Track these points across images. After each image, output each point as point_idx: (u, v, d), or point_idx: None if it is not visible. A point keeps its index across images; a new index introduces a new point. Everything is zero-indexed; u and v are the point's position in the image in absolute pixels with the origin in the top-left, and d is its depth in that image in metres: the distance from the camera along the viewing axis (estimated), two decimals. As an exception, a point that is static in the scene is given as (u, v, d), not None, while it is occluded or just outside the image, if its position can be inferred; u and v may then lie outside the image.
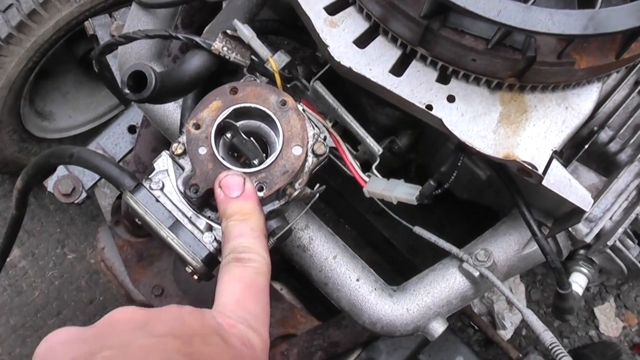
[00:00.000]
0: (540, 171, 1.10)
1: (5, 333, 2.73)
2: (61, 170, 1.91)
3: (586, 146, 1.33)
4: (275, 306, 1.85)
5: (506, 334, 2.70)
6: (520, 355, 1.97)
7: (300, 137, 1.06)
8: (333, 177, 1.37)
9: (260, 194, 1.03)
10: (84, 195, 1.92)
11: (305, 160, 1.08)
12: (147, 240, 2.00)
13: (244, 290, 0.85)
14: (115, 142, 1.98)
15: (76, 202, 1.91)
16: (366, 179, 1.31)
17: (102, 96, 2.79)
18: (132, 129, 1.99)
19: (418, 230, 1.34)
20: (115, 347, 0.69)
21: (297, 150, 1.06)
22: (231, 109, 1.07)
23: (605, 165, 1.37)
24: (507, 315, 2.70)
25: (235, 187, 0.98)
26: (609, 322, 2.83)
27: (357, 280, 1.32)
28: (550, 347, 1.17)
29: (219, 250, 1.07)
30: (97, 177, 1.94)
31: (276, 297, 1.86)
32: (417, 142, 1.49)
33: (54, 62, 2.46)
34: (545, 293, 2.86)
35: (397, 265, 1.84)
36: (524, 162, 1.10)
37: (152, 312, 0.75)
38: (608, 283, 2.87)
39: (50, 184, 1.91)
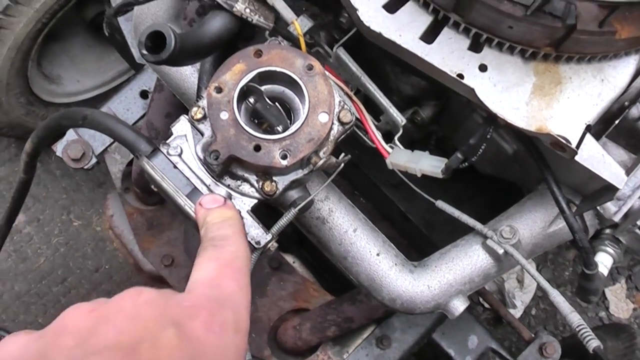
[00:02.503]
0: (573, 145, 1.06)
1: (10, 299, 2.71)
2: (71, 135, 1.87)
3: (616, 122, 1.29)
4: (288, 279, 1.82)
5: (516, 313, 2.68)
6: (533, 335, 1.94)
7: (327, 103, 1.02)
8: (349, 147, 1.33)
9: (284, 162, 0.99)
10: (93, 160, 1.87)
11: (331, 128, 1.04)
12: (158, 209, 1.96)
13: (219, 269, 0.79)
14: (126, 107, 1.93)
15: (85, 167, 1.87)
16: (389, 150, 1.26)
17: (111, 61, 2.75)
18: (144, 94, 1.94)
19: (440, 204, 1.30)
20: None
21: (324, 117, 1.01)
22: (255, 72, 1.02)
23: (635, 141, 1.32)
24: (518, 294, 2.67)
25: (216, 201, 0.95)
26: (619, 303, 2.81)
27: (378, 254, 1.28)
28: (577, 329, 1.13)
29: (238, 220, 1.04)
30: (107, 142, 1.89)
31: (288, 269, 1.84)
32: (440, 114, 1.44)
33: (63, 25, 2.42)
34: (555, 272, 2.83)
35: (413, 240, 1.81)
36: (558, 135, 1.05)
37: (103, 313, 0.69)
38: (619, 264, 2.84)
39: (59, 148, 1.86)
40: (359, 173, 1.79)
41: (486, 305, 2.67)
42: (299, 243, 1.91)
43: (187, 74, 1.44)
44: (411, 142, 1.32)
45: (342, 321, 1.63)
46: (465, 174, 1.41)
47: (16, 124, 2.52)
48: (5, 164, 2.93)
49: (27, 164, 1.42)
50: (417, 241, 1.79)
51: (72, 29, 2.66)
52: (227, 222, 0.90)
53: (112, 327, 0.66)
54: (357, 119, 1.27)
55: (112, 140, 1.88)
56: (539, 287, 1.39)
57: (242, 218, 1.00)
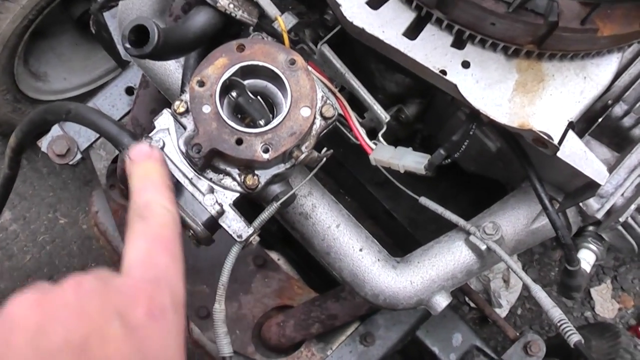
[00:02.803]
0: (555, 142, 1.07)
1: (-5, 297, 2.69)
2: (56, 130, 1.86)
3: (599, 120, 1.29)
4: (272, 276, 1.82)
5: (502, 312, 2.68)
6: (518, 335, 1.94)
7: (309, 98, 1.02)
8: (334, 146, 1.33)
9: (266, 155, 0.99)
10: (78, 156, 1.87)
11: (314, 122, 1.04)
12: (142, 206, 1.95)
13: (149, 245, 0.81)
14: (112, 103, 1.92)
15: (70, 163, 1.86)
16: (373, 146, 1.27)
17: (98, 59, 2.73)
18: (129, 91, 1.94)
19: (424, 201, 1.31)
20: None
21: (306, 112, 1.01)
22: (238, 66, 1.02)
23: (618, 140, 1.33)
24: (504, 294, 2.68)
25: (142, 152, 0.96)
26: (605, 303, 2.82)
27: (361, 250, 1.28)
28: (558, 324, 1.14)
29: (220, 214, 1.04)
30: (92, 138, 1.89)
31: (273, 267, 1.83)
32: (425, 112, 1.45)
33: (50, 22, 2.41)
34: (542, 272, 2.84)
35: (398, 238, 1.81)
36: (540, 131, 1.06)
37: (49, 308, 0.69)
38: (605, 264, 2.85)
39: (44, 143, 1.85)
40: (344, 171, 1.80)
41: (472, 305, 2.68)
42: (283, 241, 1.91)
43: (172, 70, 1.44)
44: (396, 141, 1.32)
45: (326, 318, 1.63)
46: (450, 172, 1.42)
47: (2, 121, 2.51)
48: (-9, 161, 2.91)
49: (12, 159, 1.41)
50: (402, 239, 1.80)
51: (60, 26, 2.64)
52: (149, 179, 0.92)
53: (61, 326, 0.67)
54: (340, 115, 1.27)
55: (97, 136, 1.88)
56: (525, 287, 1.40)
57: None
